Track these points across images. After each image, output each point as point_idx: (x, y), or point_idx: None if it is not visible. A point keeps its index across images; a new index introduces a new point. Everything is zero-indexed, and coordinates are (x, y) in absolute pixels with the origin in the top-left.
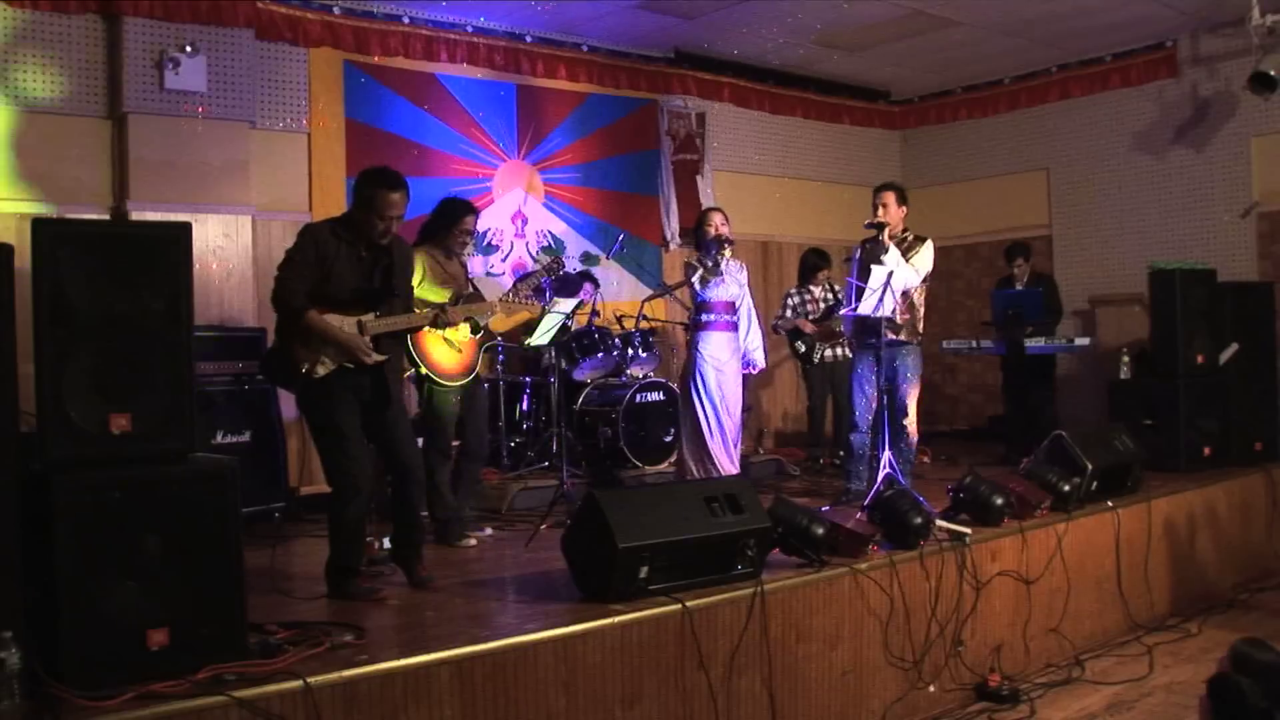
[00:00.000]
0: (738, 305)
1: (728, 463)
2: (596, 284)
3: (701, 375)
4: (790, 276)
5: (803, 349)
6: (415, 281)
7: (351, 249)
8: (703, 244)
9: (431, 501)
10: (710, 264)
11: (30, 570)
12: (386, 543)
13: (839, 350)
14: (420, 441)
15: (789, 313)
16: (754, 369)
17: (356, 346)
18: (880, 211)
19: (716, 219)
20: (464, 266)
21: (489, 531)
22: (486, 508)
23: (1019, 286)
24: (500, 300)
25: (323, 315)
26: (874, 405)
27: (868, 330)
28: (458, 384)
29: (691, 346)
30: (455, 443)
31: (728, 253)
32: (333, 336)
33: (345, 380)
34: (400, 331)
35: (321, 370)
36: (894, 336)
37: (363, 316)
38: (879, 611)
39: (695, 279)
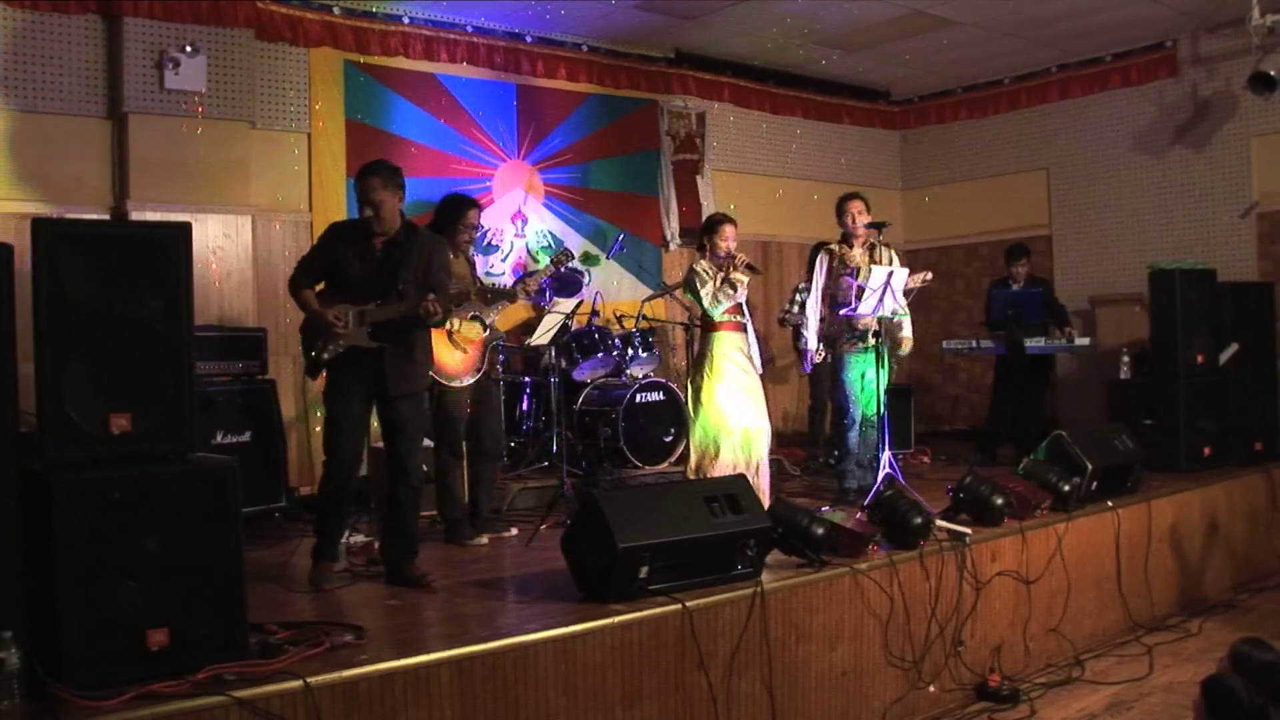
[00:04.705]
0: (743, 304)
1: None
2: (584, 279)
3: (714, 382)
4: (790, 276)
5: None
6: None
7: (365, 243)
8: (713, 254)
9: (441, 501)
10: (721, 280)
11: (30, 570)
12: None
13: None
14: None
15: (796, 308)
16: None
17: (324, 320)
18: (858, 218)
19: (729, 232)
20: (471, 264)
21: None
22: (487, 507)
23: (1015, 287)
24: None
25: (335, 303)
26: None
27: (858, 330)
28: (464, 384)
29: (703, 347)
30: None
31: (745, 281)
32: (311, 311)
33: (353, 368)
34: (396, 321)
35: (326, 355)
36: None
37: (365, 306)
38: (879, 611)
39: (705, 294)
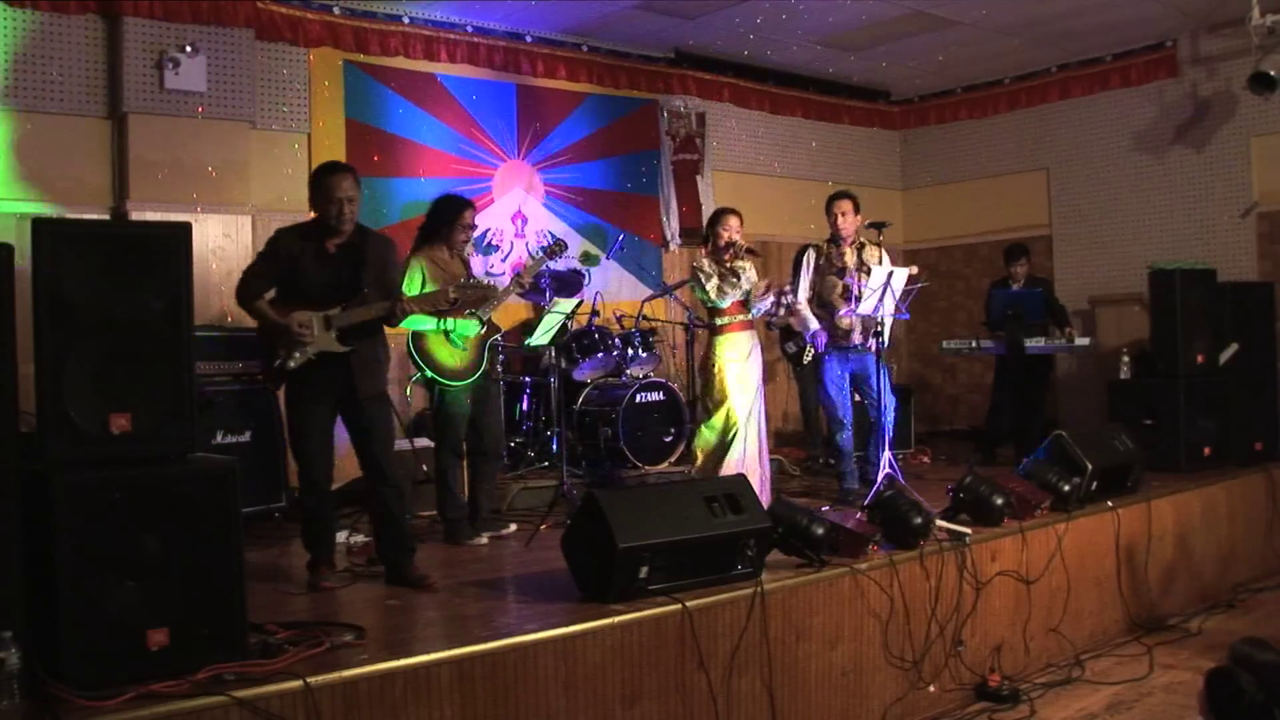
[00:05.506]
0: (749, 302)
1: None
2: (584, 279)
3: (717, 385)
4: (789, 276)
5: (793, 349)
6: (417, 286)
7: (319, 246)
8: (716, 248)
9: (441, 501)
10: (725, 271)
11: (30, 570)
12: None
13: None
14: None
15: (783, 310)
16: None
17: (288, 329)
18: (840, 219)
19: (733, 223)
20: (466, 265)
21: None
22: (487, 507)
23: (1015, 287)
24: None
25: (292, 310)
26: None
27: (839, 329)
28: (465, 383)
29: (708, 350)
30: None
31: (748, 266)
32: (270, 322)
33: (319, 375)
34: (364, 323)
35: (292, 364)
36: (860, 340)
37: (330, 311)
38: (879, 611)
39: (710, 288)
